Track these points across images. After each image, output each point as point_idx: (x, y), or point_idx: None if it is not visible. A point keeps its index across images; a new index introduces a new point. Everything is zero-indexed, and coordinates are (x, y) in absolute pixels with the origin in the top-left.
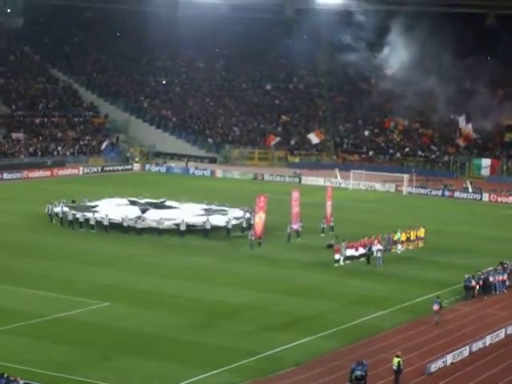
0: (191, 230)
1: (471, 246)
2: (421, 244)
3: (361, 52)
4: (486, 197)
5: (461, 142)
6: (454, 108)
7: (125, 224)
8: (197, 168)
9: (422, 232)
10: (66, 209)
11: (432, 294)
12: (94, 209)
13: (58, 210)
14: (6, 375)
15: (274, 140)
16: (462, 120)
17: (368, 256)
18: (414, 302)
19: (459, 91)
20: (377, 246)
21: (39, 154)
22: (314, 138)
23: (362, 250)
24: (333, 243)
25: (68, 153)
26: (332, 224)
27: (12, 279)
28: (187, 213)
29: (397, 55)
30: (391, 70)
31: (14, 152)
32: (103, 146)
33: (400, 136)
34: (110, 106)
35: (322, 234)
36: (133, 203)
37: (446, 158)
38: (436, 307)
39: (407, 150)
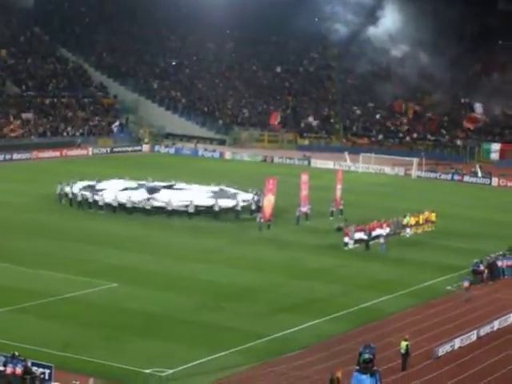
0: (200, 211)
1: (480, 230)
2: (429, 228)
3: (372, 35)
4: (495, 181)
5: (467, 125)
6: (464, 92)
7: (133, 205)
8: (206, 150)
9: (432, 216)
10: (75, 190)
11: (440, 278)
12: (103, 190)
13: (67, 190)
14: (17, 354)
15: (278, 117)
16: (478, 107)
17: (367, 242)
18: (423, 285)
19: (470, 74)
20: (385, 230)
21: (49, 134)
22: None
23: (373, 233)
24: (342, 226)
25: (78, 133)
26: (341, 207)
27: (20, 259)
28: (196, 195)
29: (408, 38)
30: (401, 52)
31: (24, 132)
32: (113, 126)
33: (410, 120)
34: (119, 87)
35: (331, 218)
36: (141, 185)
37: (456, 141)
38: (466, 284)
39: (416, 135)
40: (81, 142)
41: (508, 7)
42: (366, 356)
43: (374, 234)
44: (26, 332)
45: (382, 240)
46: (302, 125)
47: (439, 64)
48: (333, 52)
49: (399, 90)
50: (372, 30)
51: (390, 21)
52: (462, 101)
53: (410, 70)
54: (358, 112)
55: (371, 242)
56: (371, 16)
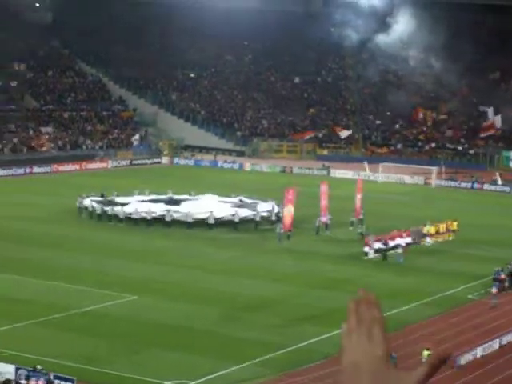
0: (220, 222)
1: (501, 238)
2: (450, 236)
3: (387, 43)
4: None
5: (483, 134)
6: (481, 100)
7: (152, 217)
8: (225, 161)
9: (454, 225)
10: (94, 203)
11: (461, 286)
12: (124, 204)
13: (87, 203)
14: (39, 367)
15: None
16: (490, 112)
17: (384, 252)
18: (444, 294)
19: (488, 82)
20: (405, 239)
21: (68, 147)
22: (342, 133)
23: (391, 243)
24: (363, 232)
25: (97, 146)
26: (361, 217)
27: (41, 272)
28: (216, 206)
29: (424, 45)
30: (417, 60)
31: (43, 145)
32: (133, 140)
33: (429, 128)
34: (138, 100)
35: (351, 228)
36: (161, 198)
37: (475, 150)
38: (495, 290)
39: (434, 145)
40: (104, 156)
41: None
42: None
43: (393, 243)
44: (48, 345)
45: (399, 250)
46: (321, 135)
47: (456, 71)
48: (349, 62)
49: (417, 99)
50: (387, 38)
51: (404, 27)
52: (481, 109)
53: (426, 78)
54: (377, 122)
55: (391, 252)
56: (386, 24)
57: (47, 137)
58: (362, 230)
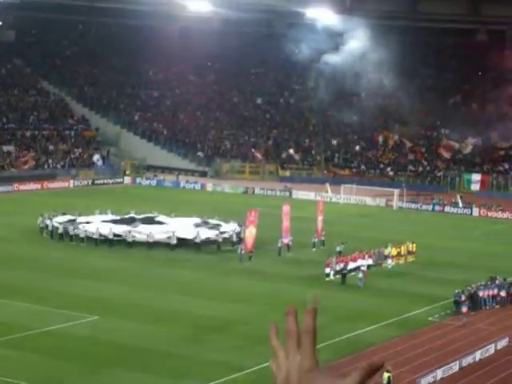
0: (181, 243)
1: (461, 260)
2: (411, 259)
3: (349, 67)
4: (476, 211)
5: (443, 153)
6: (443, 122)
7: (114, 238)
8: (187, 181)
9: (413, 247)
10: (55, 222)
11: (422, 308)
12: (85, 224)
13: (48, 222)
14: None
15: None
16: (445, 134)
17: (344, 275)
18: (404, 316)
19: (449, 106)
20: (367, 261)
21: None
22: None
23: (352, 264)
24: (340, 249)
25: (59, 165)
26: (323, 238)
27: (1, 291)
28: (177, 227)
29: (385, 69)
30: (379, 84)
31: (5, 165)
32: (95, 159)
33: (390, 150)
34: (101, 119)
35: (313, 249)
36: (123, 218)
37: (436, 172)
38: (464, 309)
39: (396, 166)
40: (76, 174)
41: (487, 39)
42: None
43: (354, 265)
44: (7, 366)
45: (360, 275)
46: (284, 156)
47: (418, 95)
48: (311, 83)
49: (379, 122)
50: (349, 61)
51: (366, 51)
52: (442, 131)
53: (389, 100)
54: (339, 143)
55: (353, 273)
56: (348, 47)
57: (32, 154)
58: (341, 249)
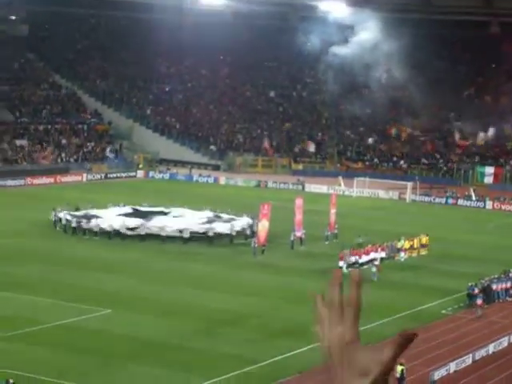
0: (194, 237)
1: (474, 253)
2: (424, 252)
3: (363, 60)
4: (489, 204)
5: (457, 149)
6: (457, 115)
7: (128, 232)
8: (200, 175)
9: (425, 240)
10: (68, 216)
11: (435, 301)
12: (98, 217)
13: (61, 216)
14: (11, 381)
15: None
16: (457, 127)
17: (357, 267)
18: (417, 309)
19: (462, 99)
20: (380, 254)
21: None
22: (310, 146)
23: (365, 258)
24: (361, 241)
25: (71, 159)
26: (336, 231)
27: (14, 285)
28: (191, 220)
29: (398, 62)
30: (393, 77)
31: (18, 159)
32: (107, 152)
33: (403, 143)
34: (113, 113)
35: (326, 242)
36: (136, 211)
37: (450, 165)
38: (479, 302)
39: (410, 159)
40: (90, 168)
41: (500, 31)
42: None
43: (367, 258)
44: (21, 359)
45: (373, 269)
46: (296, 149)
47: (431, 87)
48: (324, 76)
49: (391, 114)
50: (363, 54)
51: (380, 44)
52: (455, 124)
53: (402, 93)
54: (352, 136)
55: (365, 267)
56: (362, 40)
57: (51, 148)
58: (362, 241)
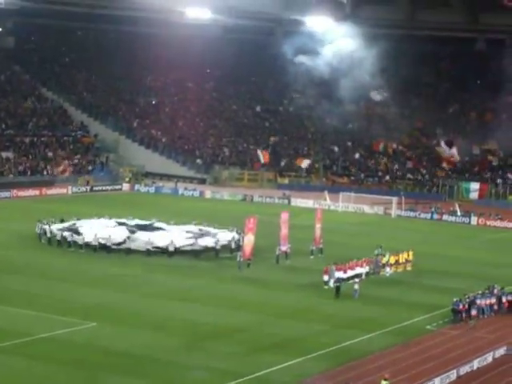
0: (180, 251)
1: (459, 269)
2: (409, 267)
3: (349, 75)
4: (474, 220)
5: (445, 165)
6: (442, 131)
7: (113, 245)
8: (186, 189)
9: (410, 255)
10: (54, 229)
11: (420, 317)
12: (83, 229)
13: (46, 229)
14: None
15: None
16: (443, 144)
17: (338, 288)
18: (403, 324)
19: (448, 114)
20: (365, 269)
21: (28, 173)
22: (303, 163)
23: (350, 272)
24: (381, 253)
25: (57, 172)
26: (321, 246)
27: None
28: (176, 234)
29: (385, 79)
30: (379, 94)
31: (3, 171)
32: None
33: (389, 159)
34: (99, 126)
35: (312, 256)
36: (121, 224)
37: (435, 180)
38: (474, 312)
39: (395, 174)
40: (88, 180)
41: (486, 48)
42: None
43: (352, 273)
44: (5, 372)
45: (356, 286)
46: (282, 164)
47: (417, 103)
48: (310, 91)
49: (377, 130)
50: (348, 69)
51: (366, 59)
52: (439, 140)
53: (387, 109)
54: (338, 151)
55: (350, 282)
56: (348, 56)
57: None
58: (379, 252)
